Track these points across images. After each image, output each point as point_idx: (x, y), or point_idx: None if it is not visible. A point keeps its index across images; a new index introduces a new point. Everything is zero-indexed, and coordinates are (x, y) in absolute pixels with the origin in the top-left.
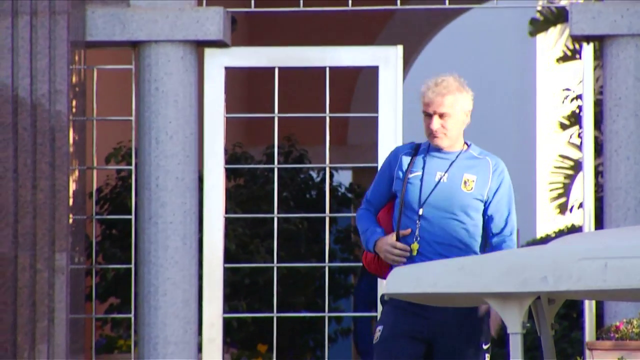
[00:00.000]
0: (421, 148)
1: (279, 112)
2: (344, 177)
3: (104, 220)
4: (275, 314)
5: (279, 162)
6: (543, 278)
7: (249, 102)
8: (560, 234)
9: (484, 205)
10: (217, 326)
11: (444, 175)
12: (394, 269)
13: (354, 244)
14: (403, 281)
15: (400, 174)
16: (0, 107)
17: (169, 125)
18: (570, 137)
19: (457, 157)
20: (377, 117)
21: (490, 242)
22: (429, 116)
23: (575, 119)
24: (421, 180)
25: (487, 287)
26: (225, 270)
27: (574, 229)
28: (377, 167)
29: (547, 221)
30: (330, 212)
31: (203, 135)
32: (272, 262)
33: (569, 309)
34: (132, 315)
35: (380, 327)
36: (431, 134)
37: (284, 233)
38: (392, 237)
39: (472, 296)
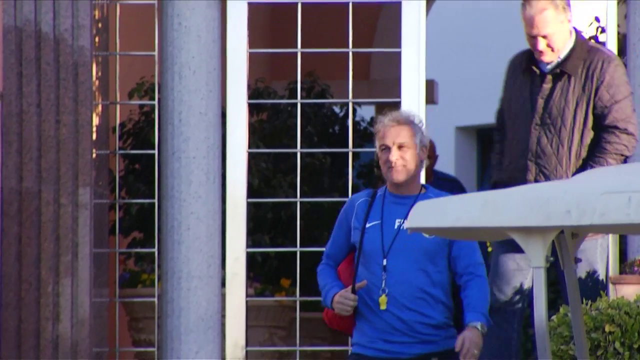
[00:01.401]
0: (378, 195)
1: (301, 48)
2: (367, 112)
3: (127, 155)
4: (298, 249)
5: (301, 97)
6: (566, 212)
7: (272, 38)
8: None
9: (448, 249)
10: (240, 260)
11: (403, 222)
12: (418, 203)
13: (377, 178)
14: (426, 216)
15: (358, 224)
16: (23, 42)
17: (192, 61)
18: None
19: (415, 201)
20: (400, 52)
21: (458, 283)
22: (386, 149)
23: None
24: (381, 229)
25: (511, 222)
26: (249, 205)
27: None
28: (399, 103)
29: None
30: (353, 147)
31: (226, 71)
32: (295, 197)
33: None
34: (155, 250)
35: None
36: (390, 167)
37: (307, 168)
38: (347, 290)
39: (496, 231)
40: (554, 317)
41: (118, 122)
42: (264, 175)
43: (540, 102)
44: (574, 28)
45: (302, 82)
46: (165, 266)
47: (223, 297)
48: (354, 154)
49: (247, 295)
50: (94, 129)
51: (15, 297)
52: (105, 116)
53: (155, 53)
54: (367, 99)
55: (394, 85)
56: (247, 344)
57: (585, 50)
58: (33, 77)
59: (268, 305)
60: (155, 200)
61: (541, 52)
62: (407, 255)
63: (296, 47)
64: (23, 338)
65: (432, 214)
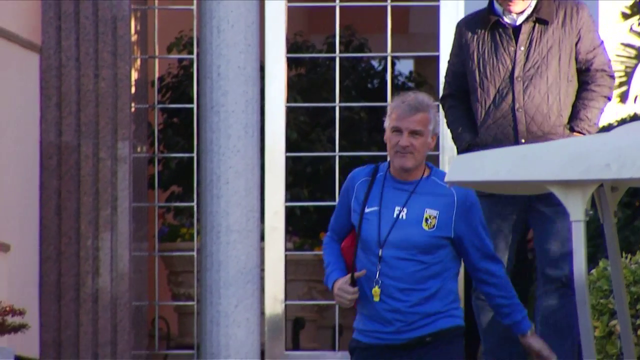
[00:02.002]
0: (378, 175)
1: (340, 1)
2: (405, 66)
3: (166, 109)
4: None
5: (340, 51)
6: (606, 165)
7: None
8: (622, 122)
9: (452, 239)
10: (279, 214)
11: (402, 210)
12: (457, 157)
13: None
14: (465, 169)
15: (357, 206)
16: None
17: (231, 14)
18: (631, 27)
19: (416, 186)
20: (438, 5)
21: (474, 276)
22: (398, 132)
23: (637, 8)
24: (379, 216)
25: (550, 175)
26: (287, 159)
27: (636, 118)
28: (438, 57)
29: (609, 110)
30: (392, 101)
31: (265, 24)
32: (334, 151)
33: (632, 197)
34: (194, 204)
35: None
36: (397, 152)
37: (345, 122)
38: (346, 280)
39: (535, 184)
40: (593, 271)
41: (157, 76)
42: (302, 129)
43: (520, 52)
44: None
45: (340, 36)
46: (204, 220)
47: (262, 251)
48: None
49: (286, 249)
50: (133, 83)
51: (55, 251)
52: (144, 70)
53: (194, 7)
54: (405, 52)
55: (432, 39)
56: (286, 298)
57: None
58: (72, 31)
59: (307, 259)
60: (194, 154)
61: (512, 1)
62: (403, 246)
63: (334, 0)
64: (63, 291)
65: (471, 167)
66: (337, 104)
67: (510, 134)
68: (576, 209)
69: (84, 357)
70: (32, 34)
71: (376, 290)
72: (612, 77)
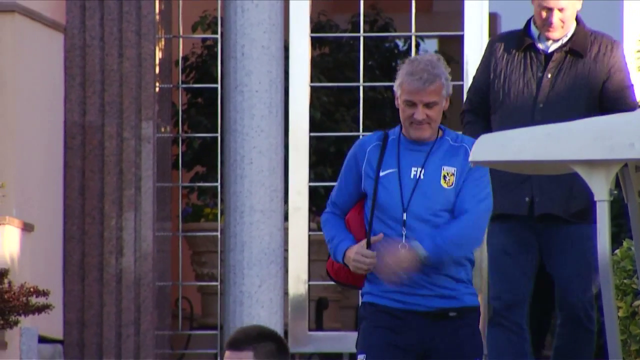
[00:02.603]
0: (390, 138)
1: None
2: (430, 46)
3: (190, 88)
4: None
5: (364, 31)
6: (630, 145)
7: None
8: None
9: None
10: (303, 194)
11: (420, 170)
12: (481, 137)
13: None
14: (489, 149)
15: (370, 171)
16: None
17: None
18: None
19: (432, 147)
20: None
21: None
22: (411, 105)
23: None
24: (398, 179)
25: (574, 154)
26: (311, 138)
27: None
28: (462, 36)
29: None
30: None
31: (289, 3)
32: (358, 131)
33: None
34: (218, 184)
35: (362, 357)
36: (412, 123)
37: (369, 101)
38: (362, 245)
39: (559, 164)
40: (617, 251)
41: (181, 55)
42: (326, 109)
43: (547, 80)
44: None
45: (364, 16)
46: (227, 200)
47: (285, 231)
48: None
49: (310, 229)
50: (157, 62)
51: (79, 231)
52: (168, 50)
53: None
54: (429, 32)
55: (456, 19)
56: (309, 278)
57: (589, 32)
58: (96, 10)
59: None
60: (218, 134)
61: (552, 26)
62: (425, 209)
63: None
64: (87, 271)
65: (495, 147)
66: (361, 83)
67: None
68: (600, 188)
69: (108, 337)
70: (56, 13)
71: None
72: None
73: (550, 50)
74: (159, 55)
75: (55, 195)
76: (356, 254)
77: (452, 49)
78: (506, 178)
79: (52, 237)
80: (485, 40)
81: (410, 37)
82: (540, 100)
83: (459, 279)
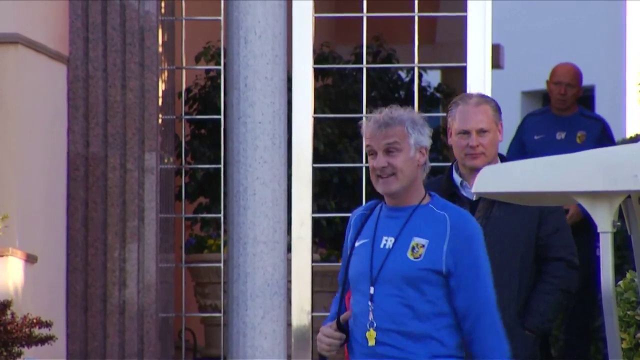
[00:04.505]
0: (377, 206)
1: (367, 12)
2: (433, 77)
3: (193, 120)
4: None
5: (367, 62)
6: (634, 176)
7: (337, 2)
8: None
9: (445, 278)
10: (306, 225)
11: (389, 239)
12: (484, 169)
13: (443, 145)
14: (491, 180)
15: (350, 243)
16: (89, 7)
17: (258, 25)
18: None
19: (411, 214)
20: (465, 16)
21: (462, 330)
22: (373, 154)
23: None
24: (371, 248)
25: (577, 186)
26: (314, 169)
27: None
28: (465, 67)
29: (637, 121)
30: (419, 112)
31: (292, 35)
32: (361, 162)
33: None
34: (221, 215)
35: None
36: (378, 175)
37: None
38: (331, 325)
39: (562, 195)
40: (620, 283)
41: (184, 87)
42: (330, 140)
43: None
44: None
45: (367, 47)
46: (231, 231)
47: (289, 262)
48: None
49: (313, 261)
50: (160, 94)
51: (82, 262)
52: (171, 81)
53: (221, 17)
54: (432, 63)
55: (459, 49)
56: (312, 309)
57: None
58: (99, 42)
59: (334, 270)
60: (221, 166)
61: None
62: (387, 280)
63: (362, 11)
64: (90, 302)
65: (498, 178)
66: (364, 114)
67: None
68: (603, 220)
69: None
70: (59, 44)
71: (371, 333)
72: (575, 267)
73: (475, 198)
74: (162, 86)
75: (58, 226)
76: (321, 333)
77: (455, 80)
78: None
79: (55, 268)
80: (488, 70)
81: (413, 68)
82: None
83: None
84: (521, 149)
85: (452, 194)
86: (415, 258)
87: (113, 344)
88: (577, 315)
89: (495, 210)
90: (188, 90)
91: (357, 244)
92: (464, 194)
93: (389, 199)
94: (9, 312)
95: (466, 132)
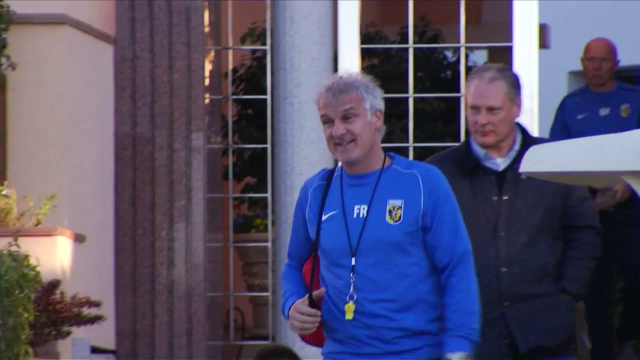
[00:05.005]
0: (335, 176)
1: None
2: (479, 57)
3: (240, 100)
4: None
5: (413, 42)
6: None
7: None
8: None
9: (424, 233)
10: None
11: (361, 207)
12: (531, 148)
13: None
14: (540, 160)
15: (312, 216)
16: None
17: (304, 5)
18: None
19: (378, 178)
20: None
21: (439, 280)
22: (329, 122)
23: None
24: (344, 220)
25: (625, 165)
26: None
27: None
28: (511, 47)
29: None
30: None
31: (338, 15)
32: (408, 142)
33: None
34: (268, 195)
35: None
36: (337, 143)
37: (419, 113)
38: (303, 301)
39: (610, 175)
40: None
41: (230, 67)
42: None
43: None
44: None
45: (413, 27)
46: (278, 211)
47: None
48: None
49: None
50: (207, 74)
51: (130, 242)
52: (217, 61)
53: None
54: (478, 43)
55: (506, 29)
56: None
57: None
58: (146, 22)
59: None
60: (268, 146)
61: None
62: (370, 249)
63: None
64: (138, 282)
65: (546, 158)
66: (410, 94)
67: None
68: None
69: (160, 348)
70: (106, 25)
71: (350, 306)
72: (601, 234)
73: (501, 169)
74: (208, 66)
75: (106, 206)
76: (293, 309)
77: (501, 60)
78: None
79: (103, 248)
80: (534, 50)
81: (459, 48)
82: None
83: (411, 332)
84: (565, 130)
85: (475, 165)
86: (395, 221)
87: (161, 323)
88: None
89: (523, 181)
90: (234, 70)
91: (324, 217)
92: (488, 165)
93: (350, 166)
94: (57, 291)
95: (476, 108)
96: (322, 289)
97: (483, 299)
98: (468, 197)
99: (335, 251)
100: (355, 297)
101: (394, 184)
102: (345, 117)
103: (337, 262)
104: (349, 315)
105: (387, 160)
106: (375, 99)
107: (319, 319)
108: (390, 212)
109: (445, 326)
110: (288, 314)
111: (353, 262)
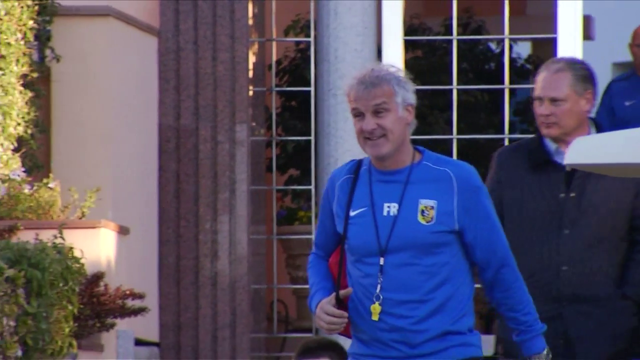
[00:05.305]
0: (362, 170)
1: None
2: (523, 49)
3: (283, 92)
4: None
5: (457, 34)
6: None
7: None
8: None
9: (459, 233)
10: None
11: (391, 206)
12: (576, 139)
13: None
14: (585, 152)
15: (340, 211)
16: None
17: None
18: None
19: (408, 175)
20: None
21: (482, 279)
22: (360, 116)
23: None
24: (373, 217)
25: None
26: None
27: None
28: (555, 39)
29: None
30: (510, 83)
31: (381, 7)
32: (451, 134)
33: None
34: (312, 187)
35: None
36: (366, 138)
37: (463, 104)
38: (329, 300)
39: None
40: None
41: (274, 59)
42: (420, 112)
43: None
44: None
45: (457, 18)
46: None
47: None
48: (510, 90)
49: None
50: (250, 66)
51: (174, 234)
52: (261, 53)
53: None
54: (523, 35)
55: (550, 21)
56: None
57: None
58: (190, 14)
59: None
60: (312, 137)
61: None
62: (399, 250)
63: None
64: (182, 274)
65: (591, 149)
66: (454, 86)
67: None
68: None
69: (204, 340)
70: (150, 17)
71: (376, 307)
72: None
73: (568, 169)
74: (252, 58)
75: (150, 198)
76: (319, 309)
77: (545, 52)
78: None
79: (147, 240)
80: (579, 42)
81: (503, 40)
82: (565, 225)
83: (437, 335)
84: (611, 115)
85: (545, 160)
86: (427, 222)
87: (205, 315)
88: None
89: (592, 178)
90: (278, 62)
91: (352, 214)
92: (559, 160)
93: (379, 162)
94: (101, 283)
95: (540, 99)
96: (349, 289)
97: (541, 296)
98: (534, 192)
99: (363, 249)
100: (381, 298)
101: (426, 182)
102: (376, 112)
103: (365, 259)
104: (375, 317)
105: (417, 155)
106: (407, 93)
107: (346, 320)
108: (422, 211)
109: (516, 327)
110: (315, 309)
111: (382, 262)
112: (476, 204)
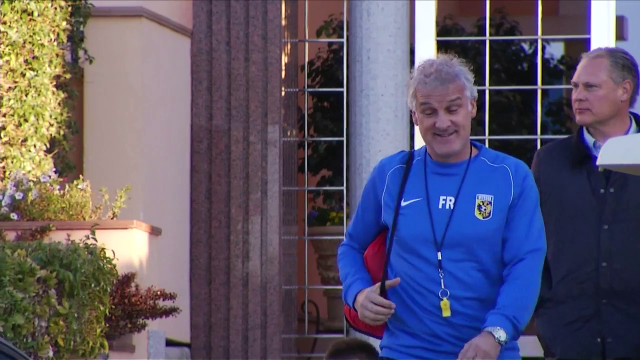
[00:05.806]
0: (415, 160)
1: None
2: (556, 49)
3: (316, 92)
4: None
5: (490, 34)
6: None
7: None
8: None
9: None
10: None
11: (448, 199)
12: (609, 140)
13: (566, 116)
14: (618, 152)
15: (390, 200)
16: None
17: None
18: None
19: (466, 170)
20: None
21: (502, 274)
22: (430, 112)
23: None
24: (427, 209)
25: None
26: None
27: None
28: (588, 39)
29: None
30: (542, 84)
31: (414, 7)
32: (484, 135)
33: None
34: (344, 188)
35: None
36: (437, 134)
37: (495, 105)
38: (374, 289)
39: None
40: None
41: (307, 60)
42: None
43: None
44: None
45: (490, 19)
46: (353, 204)
47: None
48: (542, 91)
49: None
50: (283, 66)
51: (206, 234)
52: (293, 54)
53: None
54: (555, 35)
55: (583, 22)
56: None
57: None
58: (222, 15)
59: None
60: (344, 138)
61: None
62: (461, 246)
63: None
64: (213, 275)
65: (624, 150)
66: (487, 87)
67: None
68: None
69: (234, 341)
70: (182, 17)
71: (445, 302)
72: None
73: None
74: (284, 59)
75: (182, 199)
76: (365, 299)
77: (578, 52)
78: (569, 316)
79: (178, 241)
80: (612, 42)
81: (536, 41)
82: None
83: None
84: None
85: (585, 155)
86: (484, 217)
87: (236, 316)
88: None
89: (631, 177)
90: (310, 63)
91: (404, 204)
92: (597, 155)
93: (445, 157)
94: (133, 284)
95: (576, 85)
96: (397, 279)
97: (580, 293)
98: (574, 188)
99: (416, 241)
100: (448, 294)
101: (483, 177)
102: (449, 108)
103: (417, 252)
104: (447, 312)
105: (474, 150)
106: (472, 86)
107: (392, 311)
108: (479, 206)
109: (495, 306)
110: (353, 300)
111: (439, 257)
112: (522, 201)
